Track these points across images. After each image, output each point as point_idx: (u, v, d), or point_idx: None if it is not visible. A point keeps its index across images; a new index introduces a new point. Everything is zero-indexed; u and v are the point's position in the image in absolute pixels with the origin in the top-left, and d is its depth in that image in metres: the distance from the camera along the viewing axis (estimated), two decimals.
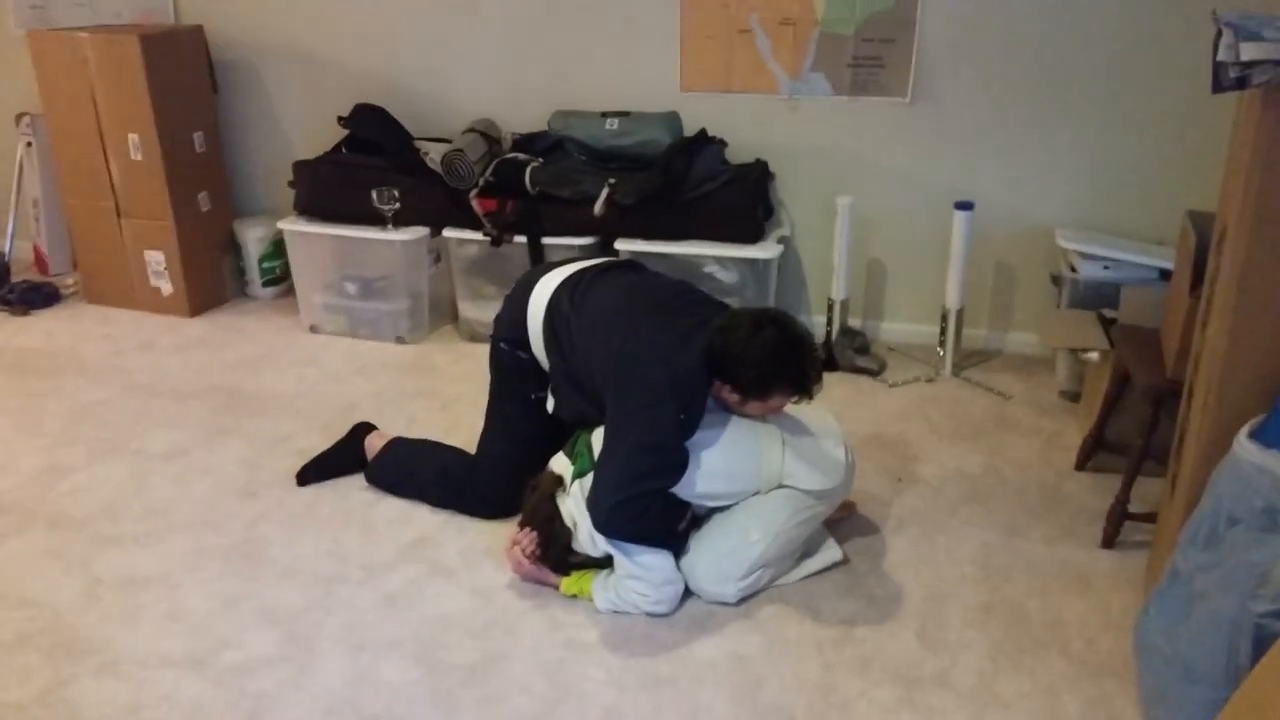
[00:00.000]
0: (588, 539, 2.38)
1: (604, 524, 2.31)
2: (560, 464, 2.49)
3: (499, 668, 2.23)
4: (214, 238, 4.30)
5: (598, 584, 2.42)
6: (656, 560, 2.37)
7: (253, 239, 4.31)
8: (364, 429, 3.03)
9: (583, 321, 2.49)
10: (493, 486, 2.72)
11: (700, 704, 2.12)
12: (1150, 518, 2.59)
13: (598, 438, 2.43)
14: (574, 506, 2.40)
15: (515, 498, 2.60)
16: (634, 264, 2.80)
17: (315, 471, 2.96)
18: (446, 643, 2.31)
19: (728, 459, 2.39)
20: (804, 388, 2.34)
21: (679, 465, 2.32)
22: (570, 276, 2.60)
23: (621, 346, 2.35)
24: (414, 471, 2.86)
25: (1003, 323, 3.83)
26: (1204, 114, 3.35)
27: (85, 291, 4.38)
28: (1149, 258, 3.21)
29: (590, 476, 2.37)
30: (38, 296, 4.32)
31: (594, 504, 2.32)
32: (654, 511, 2.32)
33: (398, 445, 2.94)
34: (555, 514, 2.40)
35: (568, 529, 2.40)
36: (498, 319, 2.71)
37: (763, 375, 2.31)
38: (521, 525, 2.48)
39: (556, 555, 2.43)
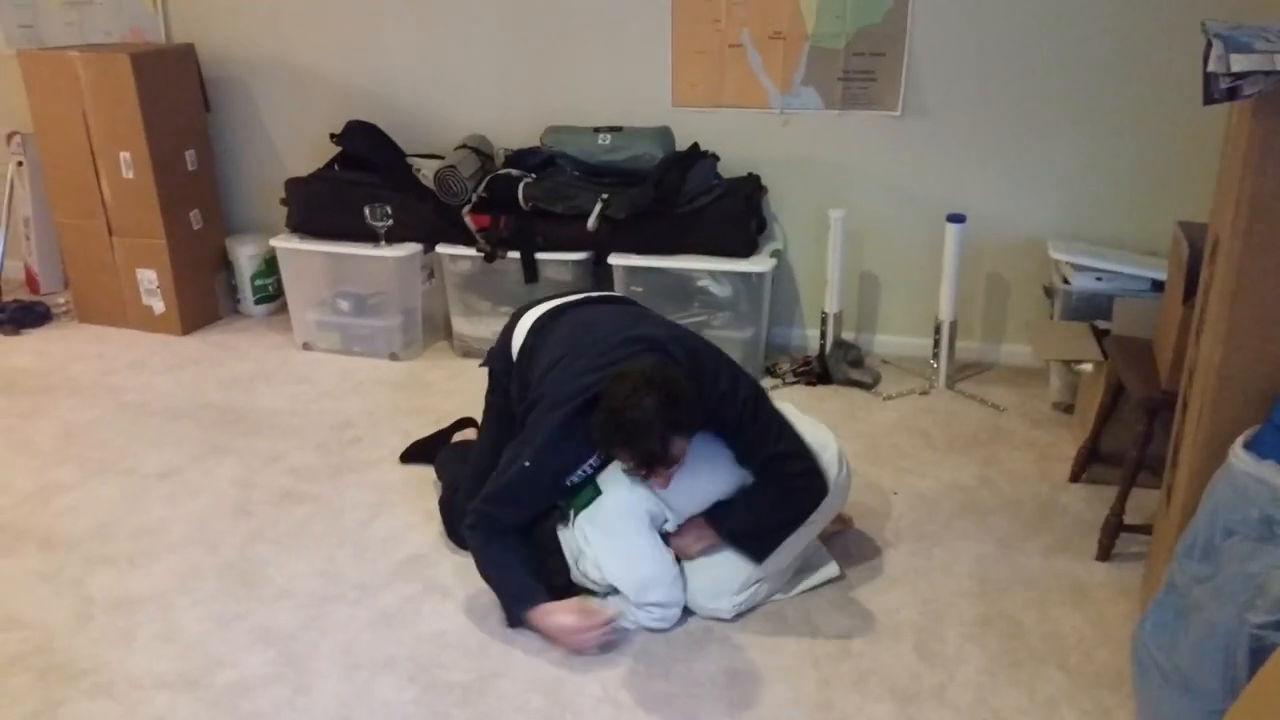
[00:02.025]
0: (593, 568, 2.36)
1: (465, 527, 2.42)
2: None
3: (495, 686, 2.21)
4: (206, 256, 4.29)
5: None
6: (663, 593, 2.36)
7: (245, 256, 4.30)
8: (467, 422, 3.15)
9: (536, 369, 2.48)
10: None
11: None
12: (1146, 529, 2.59)
13: (603, 474, 2.41)
14: (575, 537, 2.38)
15: None
16: (598, 299, 2.69)
17: (415, 454, 3.14)
18: (442, 661, 2.29)
19: (713, 480, 2.38)
20: (641, 463, 2.23)
21: (524, 507, 2.38)
22: (539, 318, 2.57)
23: (538, 393, 2.38)
24: (445, 481, 2.88)
25: (996, 335, 3.84)
26: (1195, 125, 3.36)
27: (77, 310, 4.36)
28: (1141, 268, 3.22)
29: (593, 508, 2.36)
30: (29, 316, 4.31)
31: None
32: (496, 544, 2.37)
33: (444, 451, 3.01)
34: (556, 548, 2.39)
35: (565, 563, 2.39)
36: (492, 350, 2.69)
37: (606, 438, 2.23)
38: None
39: (558, 589, 2.39)
